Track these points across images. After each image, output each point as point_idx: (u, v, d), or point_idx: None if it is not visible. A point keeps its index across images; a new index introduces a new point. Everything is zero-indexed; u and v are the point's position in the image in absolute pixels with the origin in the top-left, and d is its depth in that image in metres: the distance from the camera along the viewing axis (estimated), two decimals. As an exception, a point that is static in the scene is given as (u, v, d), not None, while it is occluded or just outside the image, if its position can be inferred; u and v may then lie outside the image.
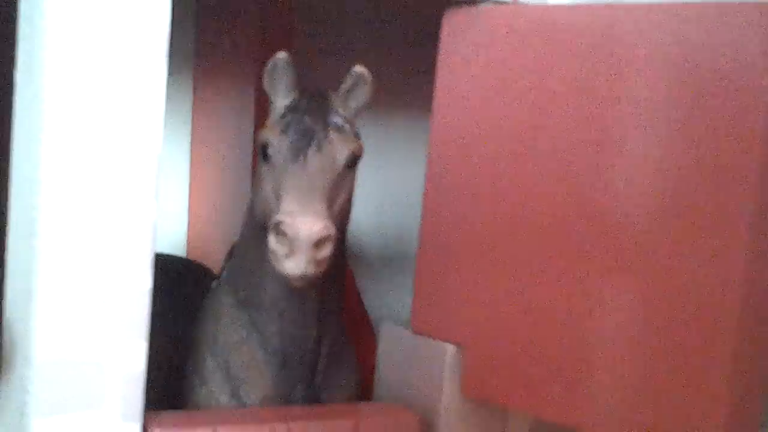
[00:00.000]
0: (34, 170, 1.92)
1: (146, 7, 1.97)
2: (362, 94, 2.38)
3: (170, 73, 2.05)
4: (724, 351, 1.94)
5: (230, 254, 2.64)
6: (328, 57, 3.08)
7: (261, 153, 2.31)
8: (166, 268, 2.46)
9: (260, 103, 2.96)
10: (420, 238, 2.50)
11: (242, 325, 2.43)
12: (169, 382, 2.53)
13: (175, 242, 3.63)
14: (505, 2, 2.36)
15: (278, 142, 2.27)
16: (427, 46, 2.53)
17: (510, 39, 2.30)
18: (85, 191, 1.96)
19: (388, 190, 3.84)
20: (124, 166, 1.99)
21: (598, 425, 2.14)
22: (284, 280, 2.15)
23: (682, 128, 2.01)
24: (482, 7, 2.37)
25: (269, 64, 2.33)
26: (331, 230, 2.09)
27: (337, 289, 2.48)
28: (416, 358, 2.53)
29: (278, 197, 2.19)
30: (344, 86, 2.37)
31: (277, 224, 2.08)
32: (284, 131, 2.27)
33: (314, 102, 2.33)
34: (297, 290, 2.26)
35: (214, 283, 2.66)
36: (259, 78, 2.38)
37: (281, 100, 2.36)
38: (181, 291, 2.80)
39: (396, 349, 2.62)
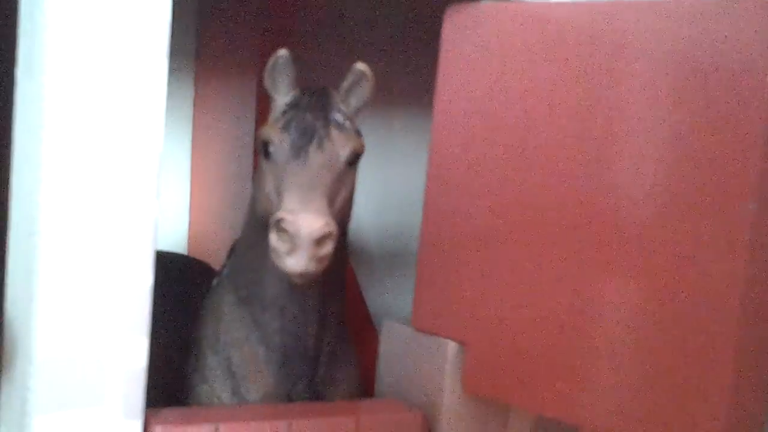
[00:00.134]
0: (35, 168, 1.92)
1: (147, 5, 1.96)
2: (363, 92, 2.37)
3: (171, 71, 2.04)
4: (725, 350, 1.93)
5: (231, 252, 2.64)
6: (328, 56, 3.08)
7: (262, 150, 2.31)
8: (167, 266, 2.46)
9: (261, 101, 2.96)
10: (421, 236, 2.50)
11: (243, 322, 2.43)
12: (170, 379, 2.53)
13: (176, 239, 3.62)
14: (506, -1, 2.36)
15: (279, 140, 2.26)
16: (429, 43, 2.53)
17: (512, 36, 2.30)
18: (86, 189, 1.95)
19: (390, 187, 3.83)
20: (125, 163, 1.99)
21: (599, 422, 2.14)
22: (285, 278, 2.15)
23: (684, 126, 2.00)
24: (484, 4, 2.36)
25: (270, 62, 2.33)
26: (333, 227, 2.09)
27: (339, 287, 2.49)
28: (417, 356, 2.53)
29: (279, 195, 2.18)
30: (345, 84, 2.37)
31: (279, 221, 2.08)
32: (285, 129, 2.27)
33: (315, 99, 2.33)
34: (298, 288, 2.26)
35: (215, 281, 2.66)
36: (260, 76, 2.38)
37: (282, 97, 2.36)
38: (182, 288, 2.80)
39: (397, 346, 2.62)
